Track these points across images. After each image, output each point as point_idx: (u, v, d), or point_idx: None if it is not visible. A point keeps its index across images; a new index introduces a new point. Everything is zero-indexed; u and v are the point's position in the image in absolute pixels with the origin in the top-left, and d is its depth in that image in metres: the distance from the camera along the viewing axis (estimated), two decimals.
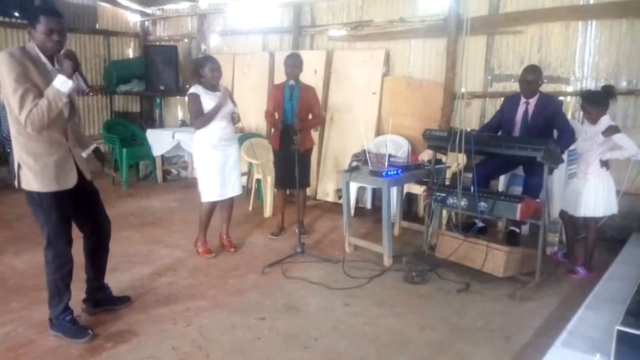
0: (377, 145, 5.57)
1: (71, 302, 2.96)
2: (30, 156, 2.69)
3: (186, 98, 4.18)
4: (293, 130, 4.40)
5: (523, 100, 4.27)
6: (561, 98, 4.88)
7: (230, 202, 4.39)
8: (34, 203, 2.76)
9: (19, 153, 2.70)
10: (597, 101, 3.69)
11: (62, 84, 2.63)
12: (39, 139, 2.68)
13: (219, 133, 4.08)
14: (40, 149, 2.70)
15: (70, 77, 2.64)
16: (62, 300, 2.90)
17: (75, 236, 2.97)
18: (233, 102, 4.16)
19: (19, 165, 2.71)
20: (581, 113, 4.69)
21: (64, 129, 2.82)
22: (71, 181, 2.83)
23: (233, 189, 4.29)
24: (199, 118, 4.03)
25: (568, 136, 4.08)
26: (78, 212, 2.95)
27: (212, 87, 4.11)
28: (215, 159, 4.13)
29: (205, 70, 4.04)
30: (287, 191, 5.07)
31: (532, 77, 4.17)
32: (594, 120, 3.73)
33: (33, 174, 2.70)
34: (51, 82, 2.66)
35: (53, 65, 2.73)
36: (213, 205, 4.28)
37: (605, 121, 3.68)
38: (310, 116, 4.72)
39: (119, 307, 3.29)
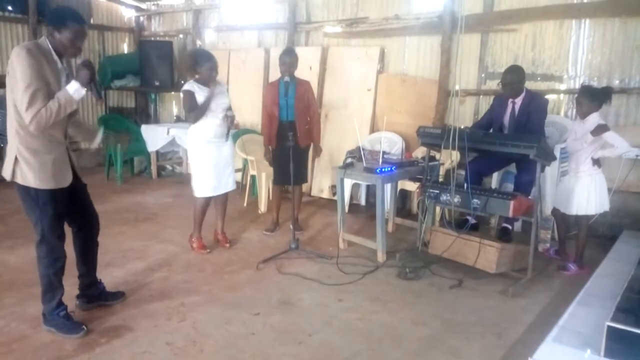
0: (371, 142, 5.59)
1: (65, 298, 2.96)
2: (30, 152, 2.68)
3: (181, 94, 4.18)
4: (289, 127, 4.40)
5: (510, 100, 4.28)
6: (554, 96, 4.92)
7: (225, 197, 4.40)
8: (28, 198, 2.75)
9: (18, 147, 2.68)
10: (592, 96, 3.72)
11: (75, 91, 2.65)
12: (39, 136, 2.68)
13: (214, 129, 4.08)
14: (39, 146, 2.70)
15: (84, 86, 2.67)
16: (56, 296, 2.90)
17: (66, 231, 2.96)
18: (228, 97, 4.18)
19: (15, 159, 2.69)
20: (573, 111, 4.76)
21: (64, 128, 2.84)
22: (67, 180, 2.85)
23: (227, 185, 4.29)
24: (193, 112, 4.03)
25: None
26: (69, 208, 2.94)
27: (206, 83, 4.10)
28: (210, 155, 4.12)
29: (203, 68, 4.01)
30: (284, 187, 5.07)
31: (510, 78, 4.15)
32: (583, 115, 3.77)
33: (31, 170, 2.69)
34: (60, 80, 2.69)
35: (62, 64, 2.75)
36: (207, 200, 4.28)
37: (593, 119, 3.71)
38: (309, 118, 4.72)
39: (113, 303, 3.28)
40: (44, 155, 2.72)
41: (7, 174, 2.74)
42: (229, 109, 4.15)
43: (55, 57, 2.70)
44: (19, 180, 2.72)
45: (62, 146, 2.82)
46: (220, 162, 4.19)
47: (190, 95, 4.02)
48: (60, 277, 2.91)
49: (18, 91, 2.56)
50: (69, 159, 2.87)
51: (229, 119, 4.08)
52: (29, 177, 2.70)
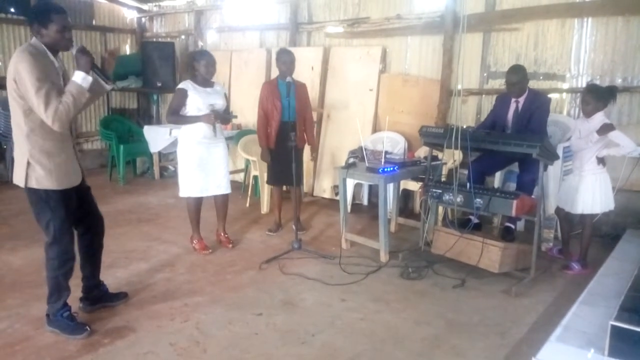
0: (373, 141, 5.58)
1: (68, 299, 2.96)
2: (44, 154, 2.69)
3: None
4: (291, 128, 4.39)
5: (513, 99, 4.27)
6: (557, 95, 4.91)
7: (223, 199, 4.38)
8: (40, 201, 2.74)
9: (30, 152, 2.67)
10: (598, 95, 3.70)
11: (82, 79, 2.66)
12: (52, 137, 2.69)
13: (203, 130, 4.06)
14: (52, 147, 2.71)
15: (88, 72, 2.68)
16: (62, 297, 2.90)
17: None
18: (227, 101, 4.18)
19: (28, 164, 2.68)
20: (576, 110, 4.75)
21: (70, 125, 2.84)
22: (78, 178, 2.88)
23: (219, 187, 4.25)
24: (173, 115, 4.05)
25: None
26: (76, 210, 2.95)
27: (205, 82, 4.11)
28: (197, 155, 4.11)
29: (200, 64, 4.05)
30: (284, 187, 5.06)
31: (516, 78, 4.14)
32: (589, 114, 3.75)
33: (47, 172, 2.69)
34: (59, 78, 2.69)
35: (58, 62, 2.76)
36: (197, 200, 4.27)
37: (599, 118, 3.70)
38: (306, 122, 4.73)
39: (116, 304, 3.29)
40: (58, 156, 2.73)
41: (20, 181, 2.72)
42: (226, 111, 4.15)
43: (51, 56, 2.70)
44: (33, 184, 2.70)
45: (70, 144, 2.85)
46: (209, 163, 4.16)
47: (180, 94, 4.02)
48: (69, 278, 2.92)
49: (31, 95, 2.55)
50: (76, 157, 2.90)
51: (215, 114, 4.00)
52: (44, 179, 2.69)
